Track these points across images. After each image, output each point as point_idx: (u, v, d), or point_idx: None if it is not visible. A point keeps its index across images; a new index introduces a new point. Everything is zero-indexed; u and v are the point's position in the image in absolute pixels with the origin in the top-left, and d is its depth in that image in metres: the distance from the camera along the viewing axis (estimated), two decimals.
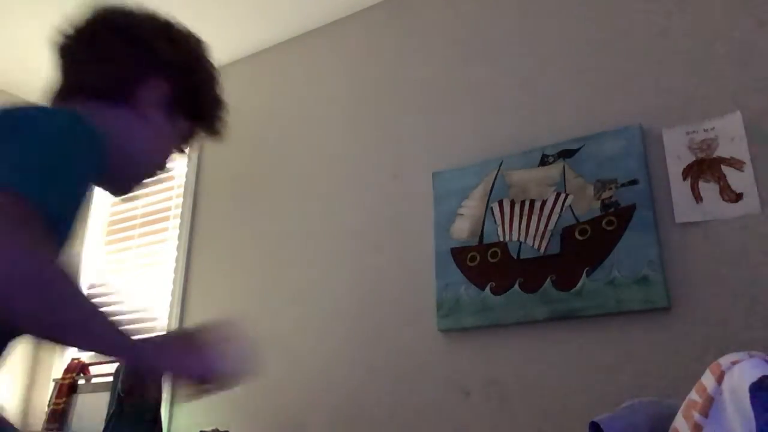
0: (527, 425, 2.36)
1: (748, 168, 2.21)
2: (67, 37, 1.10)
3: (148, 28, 1.10)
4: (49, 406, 3.38)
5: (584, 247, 2.41)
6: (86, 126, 0.90)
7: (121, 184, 1.15)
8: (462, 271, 2.65)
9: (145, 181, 1.19)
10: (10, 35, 3.71)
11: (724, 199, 2.23)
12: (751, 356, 1.00)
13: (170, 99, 1.11)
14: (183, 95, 1.12)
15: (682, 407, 1.07)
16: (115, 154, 1.01)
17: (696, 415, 1.00)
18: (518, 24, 2.91)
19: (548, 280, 2.44)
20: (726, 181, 2.24)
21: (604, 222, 2.40)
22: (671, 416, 1.10)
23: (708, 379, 1.03)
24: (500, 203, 2.65)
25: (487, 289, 2.56)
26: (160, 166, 1.18)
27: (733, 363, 1.00)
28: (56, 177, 0.83)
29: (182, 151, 1.23)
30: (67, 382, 3.40)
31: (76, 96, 1.07)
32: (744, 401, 0.92)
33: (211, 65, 1.19)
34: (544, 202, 2.55)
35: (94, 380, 3.40)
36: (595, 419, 1.30)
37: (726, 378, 0.99)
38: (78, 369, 3.46)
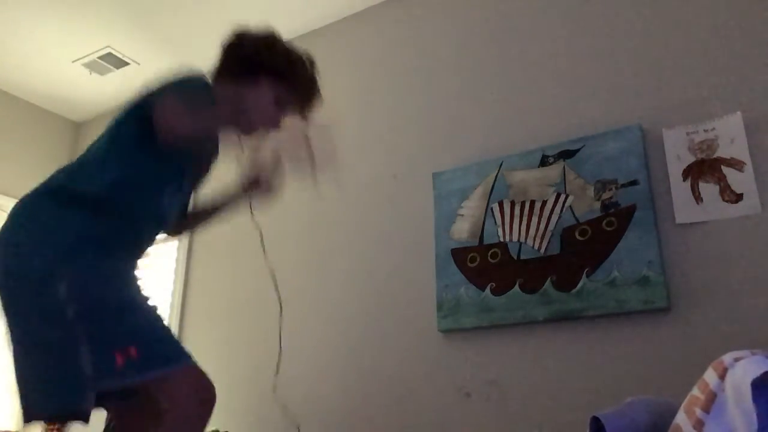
0: (527, 425, 2.36)
1: (748, 168, 2.21)
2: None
3: (260, 46, 1.80)
4: None
5: (584, 247, 2.41)
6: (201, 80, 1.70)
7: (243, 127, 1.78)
8: (462, 272, 2.64)
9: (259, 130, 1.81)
10: (11, 36, 3.72)
11: (724, 200, 2.23)
12: (753, 354, 1.00)
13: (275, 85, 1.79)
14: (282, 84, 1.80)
15: (684, 403, 1.07)
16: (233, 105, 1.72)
17: (698, 411, 1.00)
18: (518, 25, 2.92)
19: (548, 280, 2.44)
20: (726, 181, 2.24)
21: (604, 222, 2.40)
22: (672, 413, 1.10)
23: (710, 376, 1.03)
24: (500, 204, 2.65)
25: (488, 289, 2.56)
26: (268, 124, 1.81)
27: (736, 360, 1.00)
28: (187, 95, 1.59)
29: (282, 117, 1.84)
30: None
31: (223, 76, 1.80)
32: (746, 397, 0.92)
33: (302, 68, 1.86)
34: (544, 203, 2.55)
35: None
36: (596, 414, 1.30)
37: (728, 374, 0.99)
38: None
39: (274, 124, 1.82)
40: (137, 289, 1.55)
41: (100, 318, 1.41)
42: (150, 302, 1.55)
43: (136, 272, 1.66)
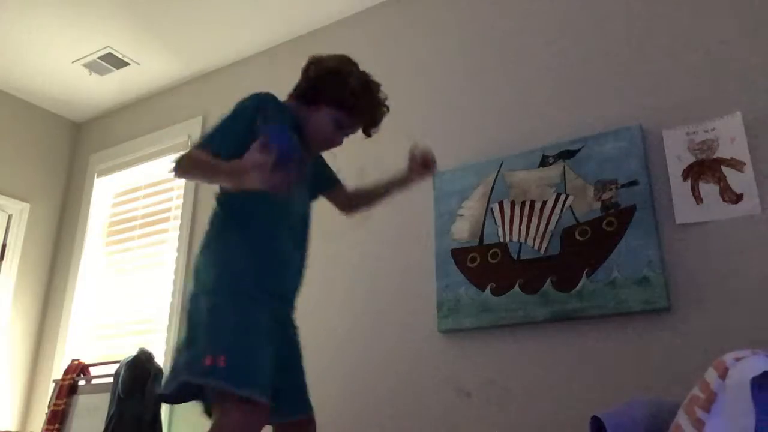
0: (527, 425, 2.36)
1: (749, 169, 2.21)
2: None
3: (324, 74, 2.03)
4: (49, 407, 3.38)
5: (584, 247, 2.41)
6: (258, 96, 1.89)
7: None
8: (462, 272, 2.65)
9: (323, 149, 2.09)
10: (11, 36, 3.72)
11: (724, 200, 2.23)
12: (754, 353, 1.00)
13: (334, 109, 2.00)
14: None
15: (684, 403, 1.07)
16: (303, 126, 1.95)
17: (698, 411, 1.00)
18: (519, 25, 2.92)
19: (548, 281, 2.44)
20: (726, 181, 2.24)
21: (604, 223, 2.40)
22: (672, 413, 1.11)
23: (711, 376, 1.03)
24: (500, 204, 2.65)
25: (488, 289, 2.56)
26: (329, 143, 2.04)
27: (737, 359, 1.00)
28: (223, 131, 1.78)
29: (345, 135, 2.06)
30: (67, 383, 3.39)
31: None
32: (745, 396, 0.92)
33: (360, 95, 2.03)
34: (544, 203, 2.56)
35: (94, 381, 3.39)
36: (597, 414, 1.30)
37: (729, 374, 0.99)
38: (78, 370, 3.45)
39: (333, 144, 2.06)
40: (265, 319, 1.69)
41: (219, 327, 1.62)
42: (266, 337, 1.67)
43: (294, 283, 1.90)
